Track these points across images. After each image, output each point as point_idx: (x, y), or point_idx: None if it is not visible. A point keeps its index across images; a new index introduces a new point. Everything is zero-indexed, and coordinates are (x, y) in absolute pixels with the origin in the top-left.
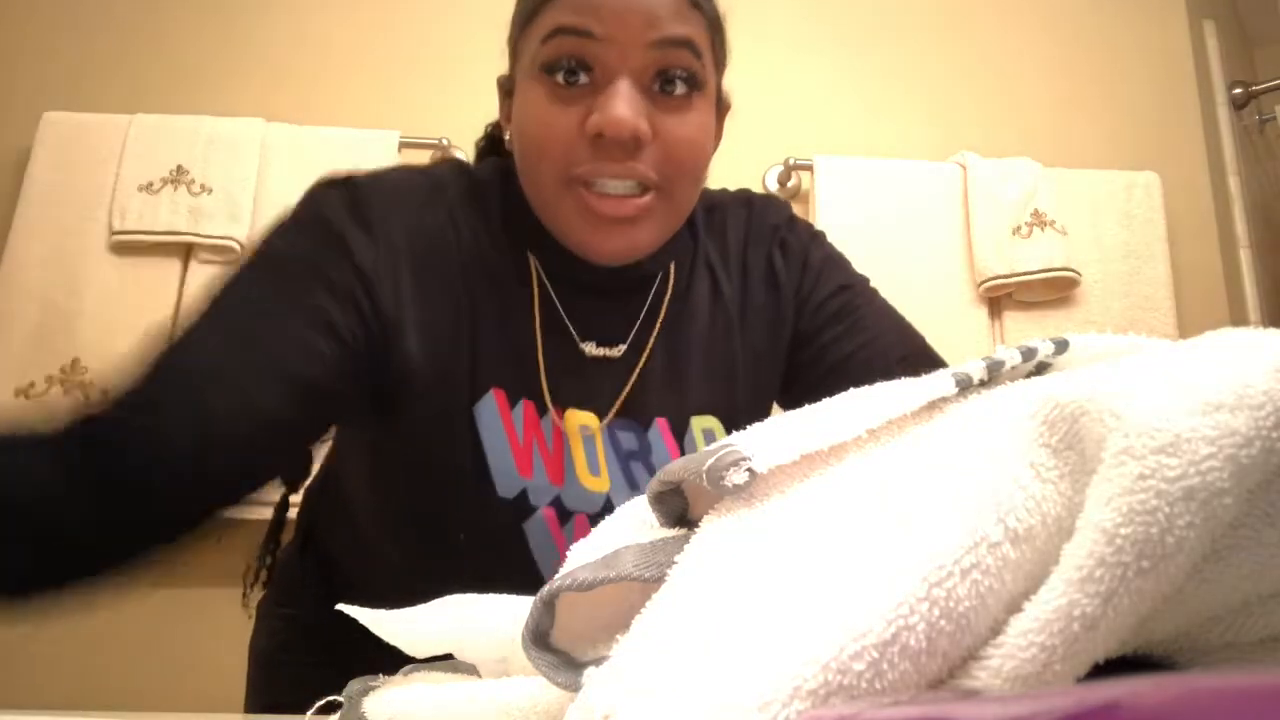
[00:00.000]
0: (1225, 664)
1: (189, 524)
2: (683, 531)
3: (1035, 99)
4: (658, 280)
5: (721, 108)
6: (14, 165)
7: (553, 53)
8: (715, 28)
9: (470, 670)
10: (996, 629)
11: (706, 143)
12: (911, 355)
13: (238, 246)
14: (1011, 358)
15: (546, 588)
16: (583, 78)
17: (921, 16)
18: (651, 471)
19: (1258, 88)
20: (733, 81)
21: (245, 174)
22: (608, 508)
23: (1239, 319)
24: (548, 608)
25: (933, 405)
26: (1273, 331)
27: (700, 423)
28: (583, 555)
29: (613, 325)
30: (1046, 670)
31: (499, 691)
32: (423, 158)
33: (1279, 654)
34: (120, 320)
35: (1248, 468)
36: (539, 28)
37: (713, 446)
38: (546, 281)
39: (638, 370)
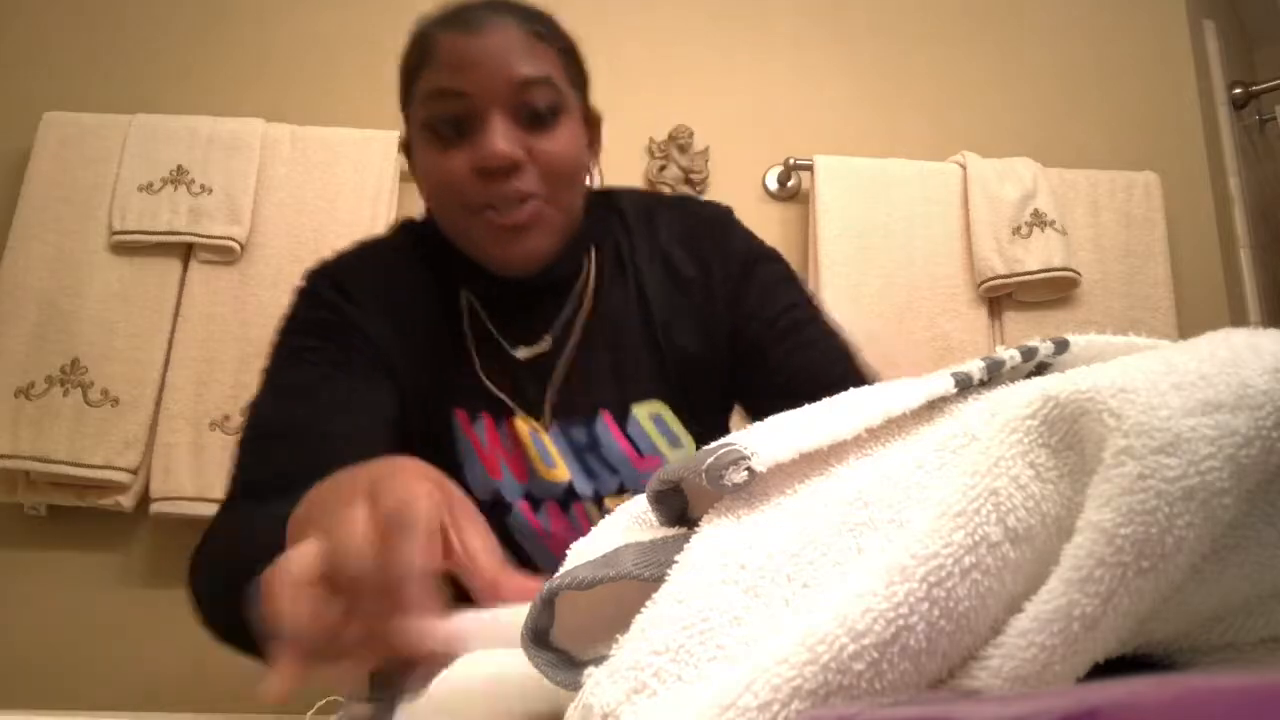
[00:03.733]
0: (1225, 664)
1: None
2: (683, 531)
3: (1035, 99)
4: (578, 283)
5: (591, 119)
6: (14, 165)
7: (433, 111)
8: (568, 54)
9: None
10: (996, 629)
11: (577, 153)
12: (849, 374)
13: (238, 247)
14: (1011, 358)
15: (546, 586)
16: (462, 124)
17: (922, 17)
18: (604, 463)
19: (1258, 88)
20: (734, 82)
21: (245, 174)
22: (570, 492)
23: (1239, 319)
24: (547, 606)
25: (933, 405)
26: (1273, 331)
27: (644, 409)
28: (583, 553)
29: (537, 327)
30: (1046, 670)
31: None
32: None
33: (1279, 654)
34: (120, 320)
35: (1247, 468)
36: (419, 91)
37: (713, 445)
38: (478, 308)
39: (572, 366)
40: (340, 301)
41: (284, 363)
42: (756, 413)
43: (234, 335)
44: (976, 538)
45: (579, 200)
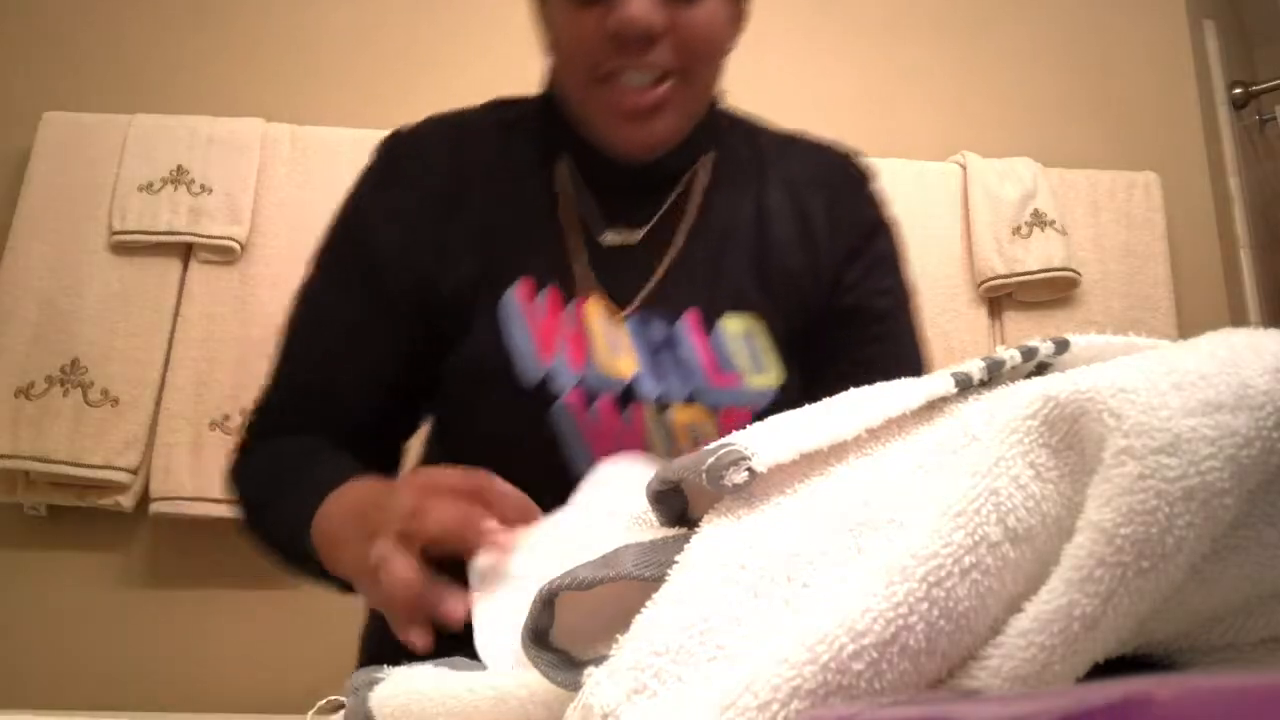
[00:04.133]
0: (1225, 664)
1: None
2: (683, 531)
3: (1035, 99)
4: (686, 177)
5: None
6: (14, 165)
7: None
8: None
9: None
10: (996, 629)
11: (721, 29)
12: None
13: (238, 246)
14: (1011, 358)
15: (546, 586)
16: None
17: (922, 16)
18: (678, 363)
19: (1258, 88)
20: (733, 81)
21: (245, 174)
22: (630, 392)
23: (1239, 319)
24: (547, 606)
25: (933, 405)
26: (1273, 331)
27: (733, 322)
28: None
29: (634, 216)
30: (1046, 670)
31: (497, 681)
32: None
33: (1279, 654)
34: (120, 320)
35: (1248, 468)
36: None
37: (712, 446)
38: (577, 181)
39: (666, 261)
40: (393, 183)
41: (325, 277)
42: (806, 383)
43: (234, 335)
44: (976, 538)
45: (715, 83)
